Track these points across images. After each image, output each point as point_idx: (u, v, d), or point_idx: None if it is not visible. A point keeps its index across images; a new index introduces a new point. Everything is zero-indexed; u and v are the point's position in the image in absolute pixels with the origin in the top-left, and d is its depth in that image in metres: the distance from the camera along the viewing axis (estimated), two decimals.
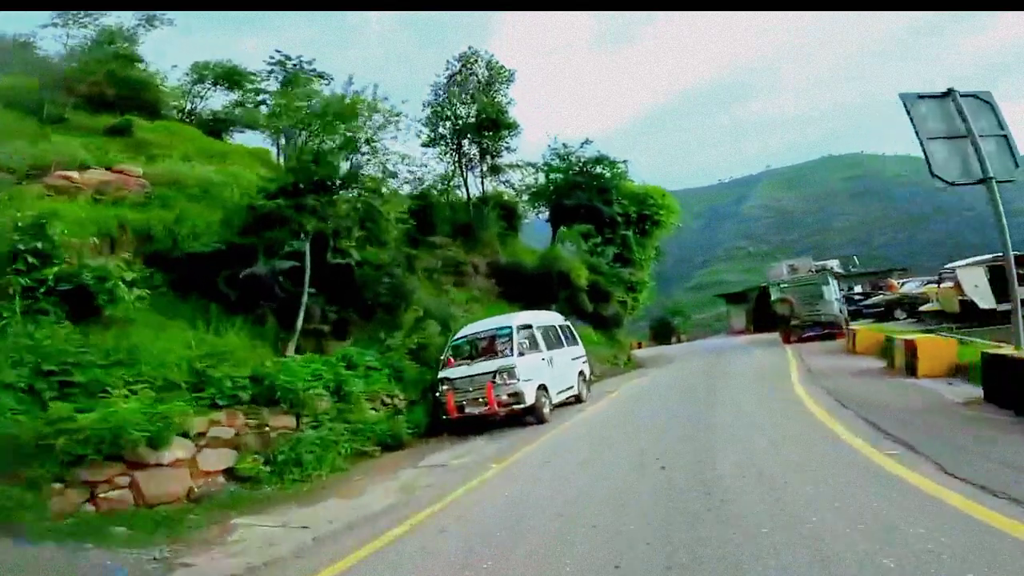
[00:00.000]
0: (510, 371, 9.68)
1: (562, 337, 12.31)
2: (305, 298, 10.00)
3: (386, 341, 10.85)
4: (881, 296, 25.46)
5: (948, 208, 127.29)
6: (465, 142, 23.20)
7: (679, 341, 40.87)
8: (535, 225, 30.89)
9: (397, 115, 12.50)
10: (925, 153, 7.91)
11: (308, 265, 10.15)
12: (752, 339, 28.79)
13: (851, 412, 7.62)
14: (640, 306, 28.13)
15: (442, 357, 10.81)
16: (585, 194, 27.50)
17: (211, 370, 7.48)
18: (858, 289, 31.14)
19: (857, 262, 34.13)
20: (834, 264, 31.55)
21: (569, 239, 27.48)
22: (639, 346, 43.87)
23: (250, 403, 7.69)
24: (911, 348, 9.93)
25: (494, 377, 9.73)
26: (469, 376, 10.01)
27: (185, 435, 6.76)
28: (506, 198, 24.57)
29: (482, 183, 23.90)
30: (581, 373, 12.69)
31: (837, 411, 7.81)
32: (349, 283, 10.81)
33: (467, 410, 9.96)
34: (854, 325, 21.48)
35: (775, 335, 27.51)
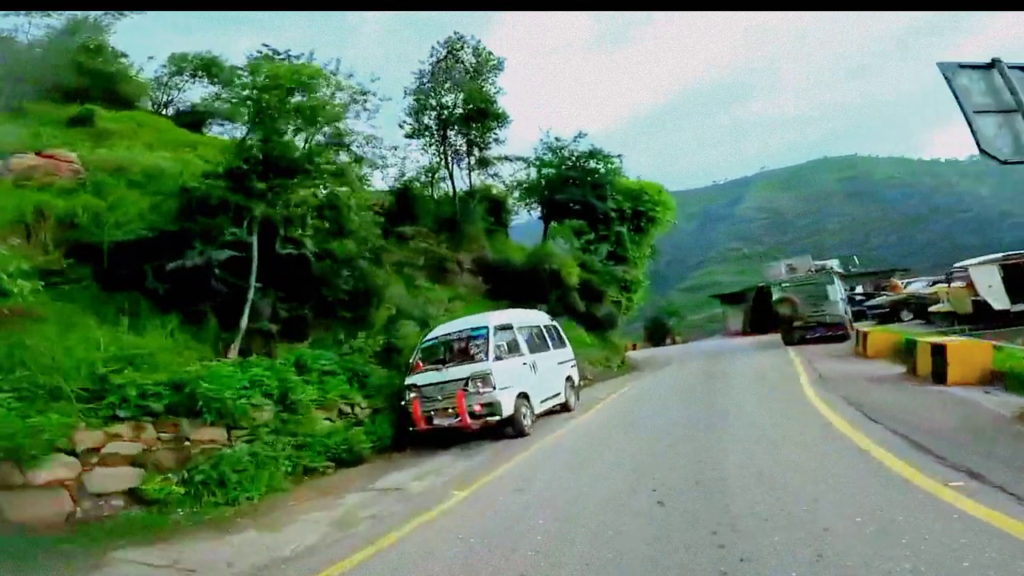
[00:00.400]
0: (484, 377, 8.39)
1: (547, 339, 11.02)
2: (251, 293, 8.69)
3: (347, 342, 9.54)
4: (885, 296, 24.26)
5: (943, 209, 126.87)
6: (451, 133, 21.93)
7: (674, 342, 39.68)
8: (529, 224, 29.66)
9: (364, 94, 11.13)
10: (972, 128, 6.65)
11: (255, 256, 8.85)
12: (751, 341, 27.57)
13: (881, 427, 6.36)
14: (634, 306, 26.89)
15: (411, 360, 9.51)
16: (578, 189, 26.26)
17: (115, 375, 6.15)
18: (859, 289, 29.96)
19: (857, 262, 32.95)
20: (833, 264, 30.31)
21: (561, 235, 26.22)
22: (633, 347, 42.64)
23: (166, 414, 6.37)
24: (940, 352, 8.69)
25: (466, 384, 8.43)
26: (438, 383, 8.72)
27: (72, 452, 5.48)
28: (494, 192, 23.29)
29: (469, 176, 22.64)
30: (569, 379, 11.41)
31: (864, 425, 6.54)
32: (306, 278, 9.50)
33: (436, 421, 8.67)
34: (860, 326, 20.29)
35: (775, 337, 26.29)
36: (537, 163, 26.99)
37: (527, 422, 9.00)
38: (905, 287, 25.05)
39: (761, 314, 32.13)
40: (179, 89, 25.86)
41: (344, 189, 10.37)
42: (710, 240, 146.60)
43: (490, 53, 21.82)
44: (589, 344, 20.86)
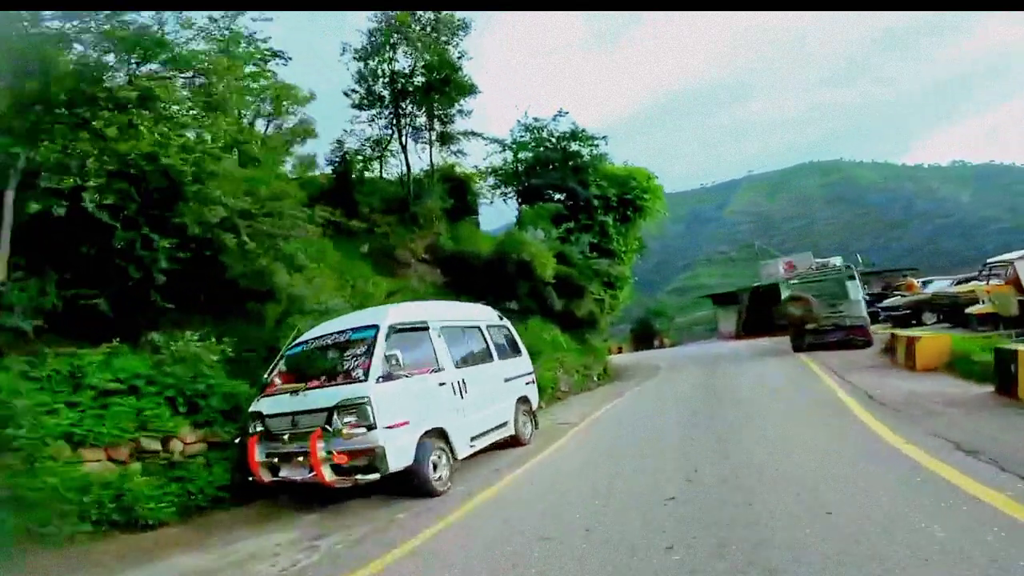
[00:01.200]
0: (358, 409, 4.97)
1: (490, 345, 7.58)
2: None
3: (160, 343, 6.07)
4: (901, 297, 21.18)
5: (925, 214, 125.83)
6: (408, 104, 18.51)
7: (662, 345, 36.52)
8: (506, 214, 26.31)
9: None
10: None
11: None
12: (746, 345, 24.37)
13: None
14: (619, 305, 23.58)
15: (266, 375, 6.05)
16: (557, 173, 22.98)
17: None
18: (866, 290, 26.93)
19: (860, 260, 29.90)
20: (836, 262, 27.40)
21: (537, 222, 22.96)
22: (618, 351, 39.38)
23: None
24: None
25: (328, 419, 5.02)
26: (289, 414, 5.31)
27: None
28: (458, 171, 19.88)
29: (430, 154, 19.20)
30: (523, 401, 8.01)
31: None
32: (104, 254, 6.04)
33: (283, 473, 5.27)
34: (878, 329, 17.18)
35: (775, 341, 23.15)
36: (513, 146, 23.73)
37: (440, 475, 5.59)
38: (922, 286, 22.05)
39: (757, 316, 28.99)
40: None
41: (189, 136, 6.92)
42: (697, 243, 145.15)
43: (451, 13, 18.41)
44: (566, 348, 17.52)
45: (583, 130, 23.52)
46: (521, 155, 23.64)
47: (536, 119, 23.64)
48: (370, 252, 15.84)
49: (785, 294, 16.46)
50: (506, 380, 7.59)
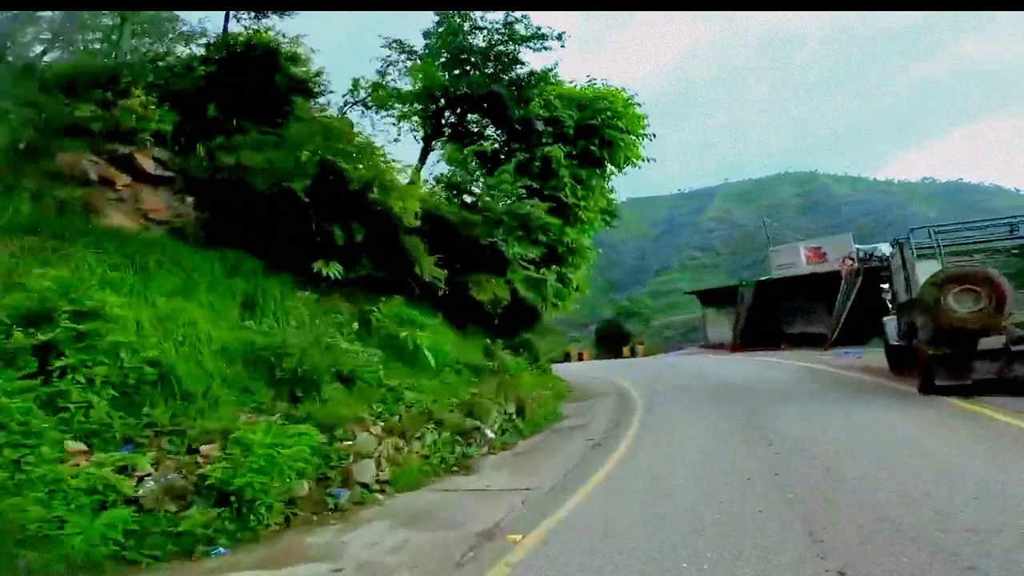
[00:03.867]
0: None
1: None
2: None
3: None
4: None
5: (894, 227, 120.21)
6: None
7: (633, 353, 27.67)
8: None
9: None
10: None
11: None
12: (764, 365, 15.45)
13: None
14: (571, 296, 14.37)
15: None
16: (480, 77, 13.86)
17: None
18: None
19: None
20: (885, 250, 18.93)
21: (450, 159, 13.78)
22: (580, 357, 30.34)
23: None
24: None
25: None
26: None
27: None
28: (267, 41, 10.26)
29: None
30: None
31: None
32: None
33: None
34: None
35: (798, 358, 14.40)
36: (425, 51, 14.57)
37: None
38: None
39: (762, 321, 20.17)
40: None
41: None
42: (673, 247, 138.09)
43: None
44: (455, 373, 8.30)
45: (537, 29, 14.38)
46: (430, 63, 14.45)
47: (464, 15, 14.50)
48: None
49: (930, 281, 7.03)
50: None
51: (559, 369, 18.24)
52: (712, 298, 25.03)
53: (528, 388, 9.76)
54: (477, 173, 13.96)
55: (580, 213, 13.88)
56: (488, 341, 10.44)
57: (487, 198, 10.97)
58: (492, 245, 9.86)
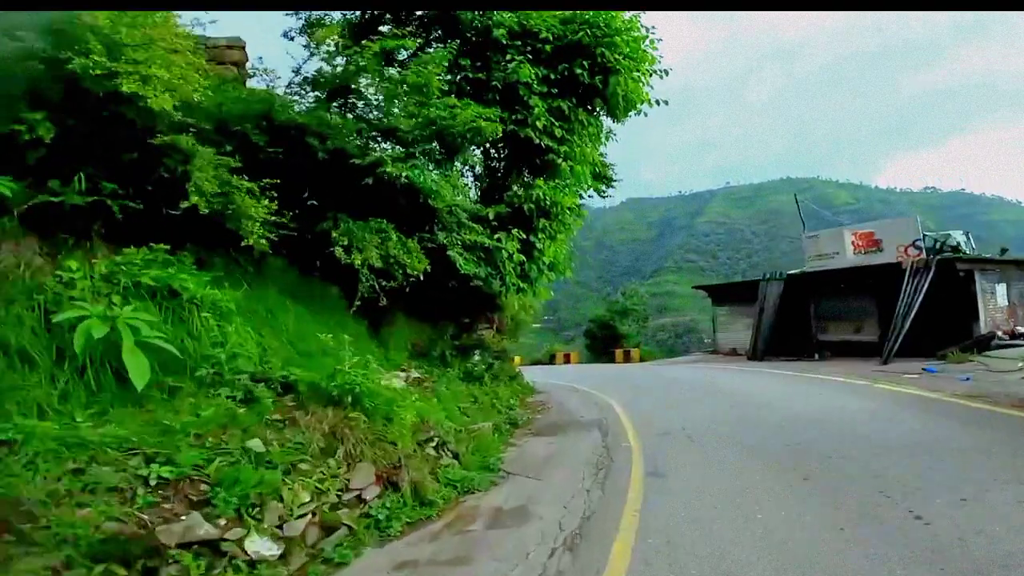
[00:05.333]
0: None
1: None
2: None
3: None
4: None
5: None
6: None
7: (627, 358, 23.20)
8: None
9: None
10: None
11: None
12: (820, 380, 11.04)
13: None
14: (546, 273, 9.80)
15: None
16: None
17: None
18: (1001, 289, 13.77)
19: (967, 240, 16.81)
20: (959, 237, 14.56)
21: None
22: (567, 359, 25.90)
23: None
24: None
25: None
26: None
27: None
28: None
29: None
30: None
31: None
32: None
33: None
34: None
35: (836, 371, 10.19)
36: None
37: None
38: None
39: (790, 325, 15.74)
40: None
41: None
42: (668, 249, 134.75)
43: None
44: (243, 397, 3.80)
45: None
46: None
47: None
48: None
49: None
50: None
51: (536, 375, 13.80)
52: (725, 295, 20.47)
53: (438, 420, 5.30)
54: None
55: (558, 160, 9.41)
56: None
57: (370, 91, 6.46)
58: (377, 171, 5.37)
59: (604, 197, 14.36)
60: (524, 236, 8.62)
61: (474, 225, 7.49)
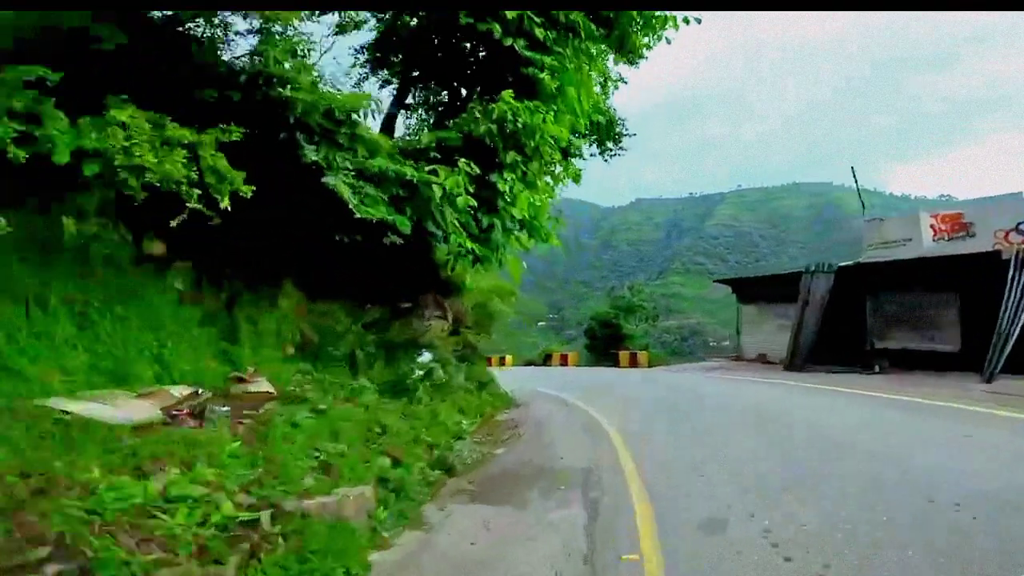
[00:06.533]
0: None
1: None
2: None
3: None
4: None
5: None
6: None
7: (633, 362, 19.80)
8: None
9: None
10: None
11: None
12: (932, 410, 7.62)
13: None
14: (517, 235, 6.54)
15: None
16: None
17: None
18: None
19: None
20: None
21: None
22: (564, 360, 22.64)
23: None
24: None
25: None
26: None
27: None
28: None
29: None
30: None
31: None
32: None
33: None
34: None
35: (924, 392, 6.82)
36: None
37: None
38: None
39: (839, 329, 12.36)
40: None
41: None
42: (675, 251, 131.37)
43: None
44: None
45: None
46: None
47: None
48: None
49: None
50: None
51: (524, 380, 10.48)
52: (754, 291, 16.90)
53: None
54: None
55: (540, 75, 6.15)
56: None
57: None
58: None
59: (611, 157, 11.13)
60: (479, 172, 5.36)
61: (377, 140, 4.27)
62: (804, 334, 12.40)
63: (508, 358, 23.95)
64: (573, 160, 10.79)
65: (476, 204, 5.24)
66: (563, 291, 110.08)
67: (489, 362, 23.40)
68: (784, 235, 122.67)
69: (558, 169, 7.14)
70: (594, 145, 10.97)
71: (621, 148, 11.60)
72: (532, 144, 5.94)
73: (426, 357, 7.31)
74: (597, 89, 9.40)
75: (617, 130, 11.04)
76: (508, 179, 5.54)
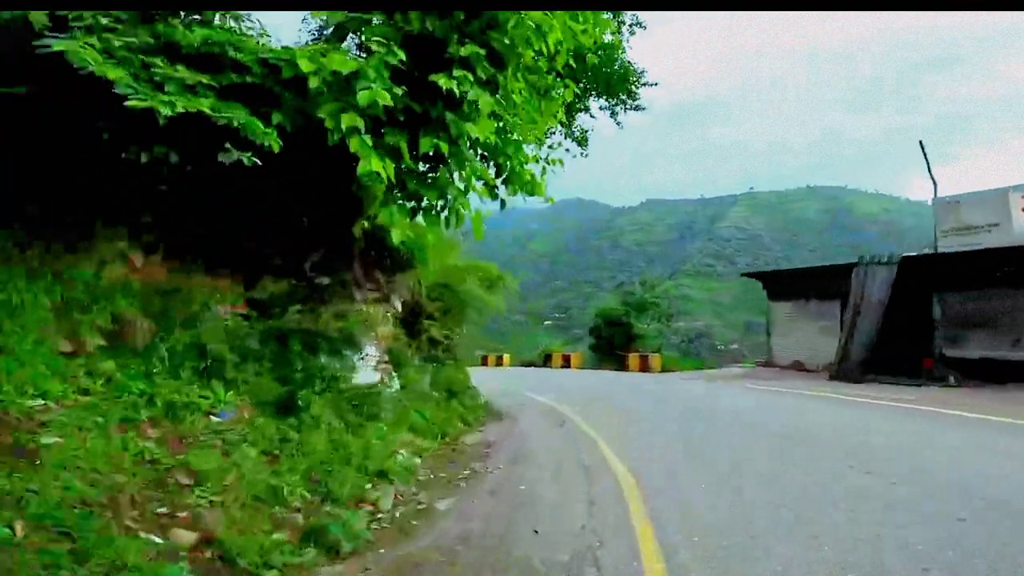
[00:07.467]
0: None
1: None
2: None
3: None
4: None
5: (916, 248, 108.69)
6: None
7: (644, 366, 17.43)
8: None
9: None
10: None
11: None
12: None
13: None
14: (473, 160, 4.31)
15: None
16: None
17: None
18: None
19: None
20: None
21: None
22: (565, 362, 20.41)
23: None
24: None
25: None
26: None
27: None
28: None
29: None
30: None
31: None
32: None
33: None
34: None
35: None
36: None
37: None
38: None
39: (899, 332, 9.97)
40: None
41: None
42: (686, 253, 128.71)
43: None
44: None
45: None
46: None
47: None
48: None
49: None
50: None
51: (517, 383, 8.22)
52: (790, 287, 14.22)
53: None
54: None
55: None
56: None
57: None
58: None
59: (628, 110, 8.93)
60: (412, 69, 3.16)
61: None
62: (858, 339, 10.01)
63: (506, 357, 21.74)
64: (578, 116, 8.69)
65: (402, 112, 3.06)
66: (571, 290, 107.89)
67: (484, 362, 21.40)
68: (796, 238, 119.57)
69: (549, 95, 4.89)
70: (602, 98, 8.84)
71: (638, 106, 9.42)
72: (504, 38, 3.67)
73: (371, 354, 5.16)
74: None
75: (632, 83, 8.86)
76: (460, 77, 3.32)
